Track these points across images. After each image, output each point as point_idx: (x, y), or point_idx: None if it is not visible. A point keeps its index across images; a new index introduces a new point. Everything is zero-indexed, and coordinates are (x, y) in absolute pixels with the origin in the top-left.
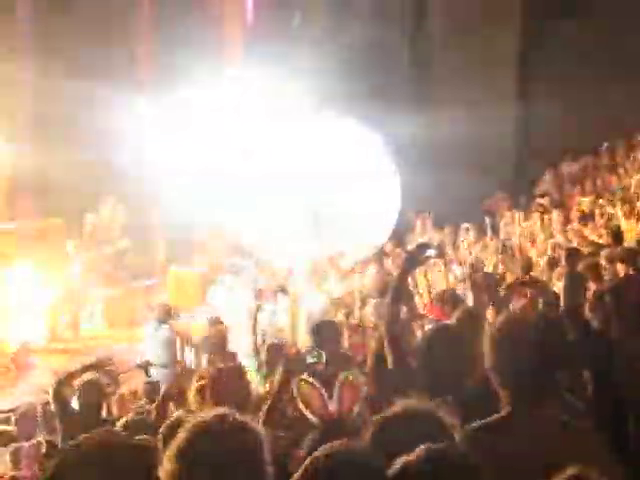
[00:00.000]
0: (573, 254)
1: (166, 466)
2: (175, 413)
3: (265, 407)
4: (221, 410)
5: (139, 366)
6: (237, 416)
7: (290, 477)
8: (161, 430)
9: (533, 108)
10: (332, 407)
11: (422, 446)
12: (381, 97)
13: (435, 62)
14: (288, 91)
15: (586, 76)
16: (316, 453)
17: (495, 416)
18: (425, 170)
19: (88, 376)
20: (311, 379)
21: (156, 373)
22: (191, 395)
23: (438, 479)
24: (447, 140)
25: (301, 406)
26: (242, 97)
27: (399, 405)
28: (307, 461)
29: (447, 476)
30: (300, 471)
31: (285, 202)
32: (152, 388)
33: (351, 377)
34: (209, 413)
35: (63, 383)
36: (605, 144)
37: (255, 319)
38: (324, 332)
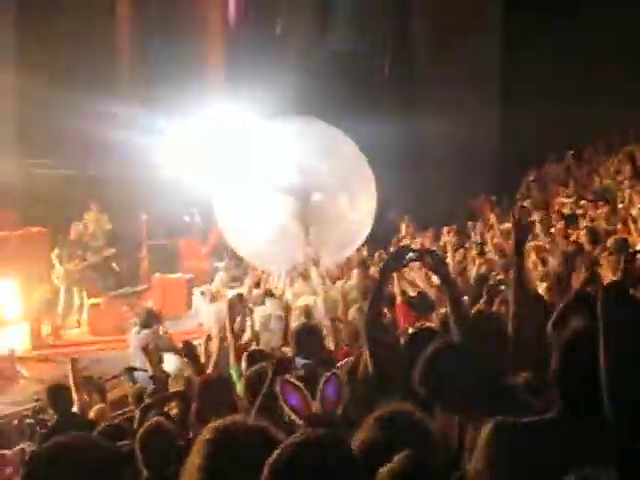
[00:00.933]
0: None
1: None
2: (154, 418)
3: (253, 412)
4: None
5: (124, 372)
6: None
7: None
8: (139, 434)
9: (518, 108)
10: (315, 407)
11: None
12: (365, 100)
13: (419, 63)
14: (266, 93)
15: (572, 75)
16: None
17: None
18: (409, 172)
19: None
20: (293, 379)
21: (142, 379)
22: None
23: None
24: (431, 142)
25: (284, 407)
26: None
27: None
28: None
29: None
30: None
31: (269, 206)
32: (138, 393)
33: (334, 377)
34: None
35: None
36: (571, 152)
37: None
38: (307, 336)
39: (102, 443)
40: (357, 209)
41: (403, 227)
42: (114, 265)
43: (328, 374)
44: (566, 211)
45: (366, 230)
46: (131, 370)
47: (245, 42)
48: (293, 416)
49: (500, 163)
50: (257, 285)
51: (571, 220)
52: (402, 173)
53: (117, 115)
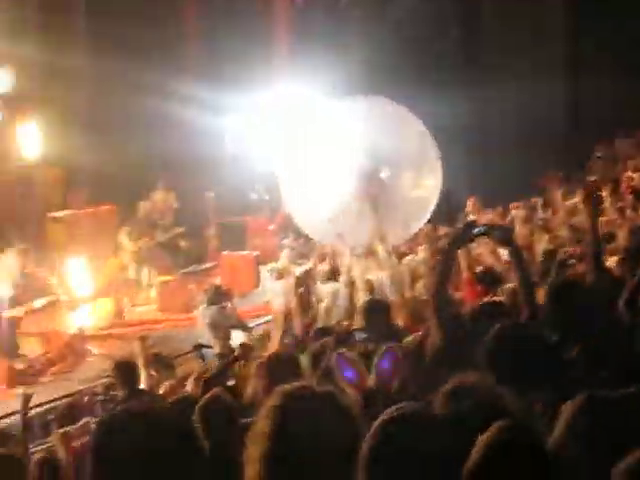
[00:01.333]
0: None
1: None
2: (213, 390)
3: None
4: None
5: (193, 349)
6: None
7: None
8: (198, 406)
9: (584, 80)
10: (371, 381)
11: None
12: (429, 75)
13: (484, 36)
14: (332, 72)
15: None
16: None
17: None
18: (474, 150)
19: None
20: (348, 352)
21: (209, 355)
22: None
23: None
24: (496, 118)
25: (340, 381)
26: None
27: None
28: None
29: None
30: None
31: (335, 184)
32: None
33: (390, 351)
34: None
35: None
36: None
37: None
38: (374, 312)
39: (170, 413)
40: (422, 186)
41: (469, 204)
42: (182, 243)
43: (384, 348)
44: (635, 184)
45: (431, 207)
46: (200, 347)
47: (310, 20)
48: (349, 390)
49: (567, 139)
50: (324, 261)
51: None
52: (467, 151)
53: (185, 94)
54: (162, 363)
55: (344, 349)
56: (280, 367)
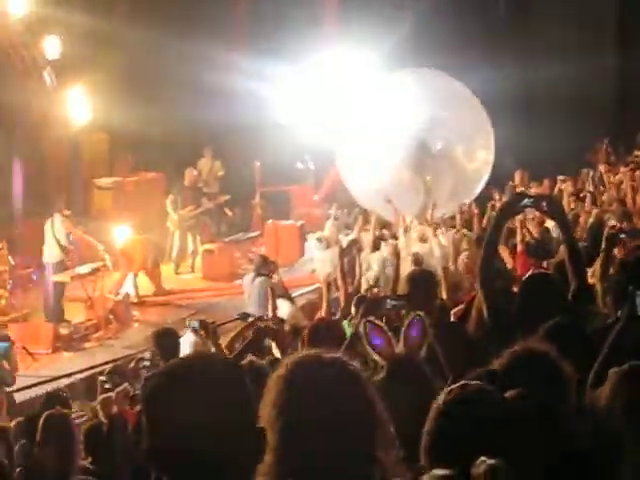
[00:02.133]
0: None
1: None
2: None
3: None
4: None
5: (238, 318)
6: None
7: None
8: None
9: (632, 54)
10: (398, 348)
11: None
12: (476, 46)
13: (531, 8)
14: (379, 41)
15: None
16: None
17: None
18: (523, 120)
19: None
20: (377, 320)
21: None
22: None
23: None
24: (543, 89)
25: (367, 347)
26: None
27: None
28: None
29: None
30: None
31: (389, 155)
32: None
33: (418, 319)
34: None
35: None
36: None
37: (342, 270)
38: (418, 281)
39: (223, 358)
40: (474, 159)
41: (517, 176)
42: (228, 211)
43: (412, 316)
44: None
45: (483, 180)
46: (245, 316)
47: None
48: (376, 356)
49: (616, 111)
50: (366, 231)
51: None
52: (516, 121)
53: (231, 61)
54: (207, 330)
55: (372, 316)
56: (322, 335)
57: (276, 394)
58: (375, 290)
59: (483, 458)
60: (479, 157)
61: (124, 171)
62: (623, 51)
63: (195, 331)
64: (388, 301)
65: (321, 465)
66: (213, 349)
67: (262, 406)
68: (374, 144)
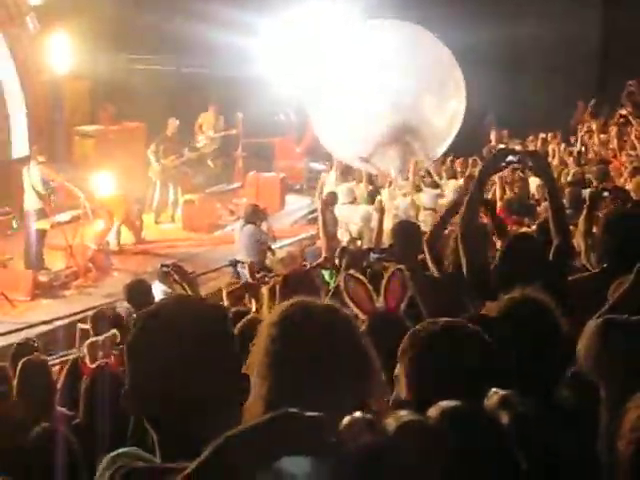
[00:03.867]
0: None
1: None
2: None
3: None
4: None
5: (228, 265)
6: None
7: None
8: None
9: (621, 9)
10: (379, 302)
11: None
12: (460, 3)
13: None
14: None
15: None
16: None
17: None
18: (505, 77)
19: None
20: (357, 274)
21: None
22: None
23: None
24: (527, 43)
25: (348, 301)
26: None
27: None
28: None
29: None
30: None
31: (368, 108)
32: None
33: (398, 272)
34: None
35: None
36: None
37: (324, 222)
38: (401, 233)
39: (209, 302)
40: (445, 110)
41: (493, 135)
42: (210, 163)
43: (393, 270)
44: None
45: (454, 130)
46: (235, 263)
47: None
48: (356, 310)
49: (601, 64)
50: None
51: None
52: (499, 76)
53: (214, 14)
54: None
55: (355, 269)
56: (296, 285)
57: (268, 341)
58: (358, 243)
59: (495, 389)
60: (450, 107)
61: (106, 119)
62: (608, 4)
63: (166, 276)
64: (371, 254)
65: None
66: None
67: (251, 354)
68: (347, 98)
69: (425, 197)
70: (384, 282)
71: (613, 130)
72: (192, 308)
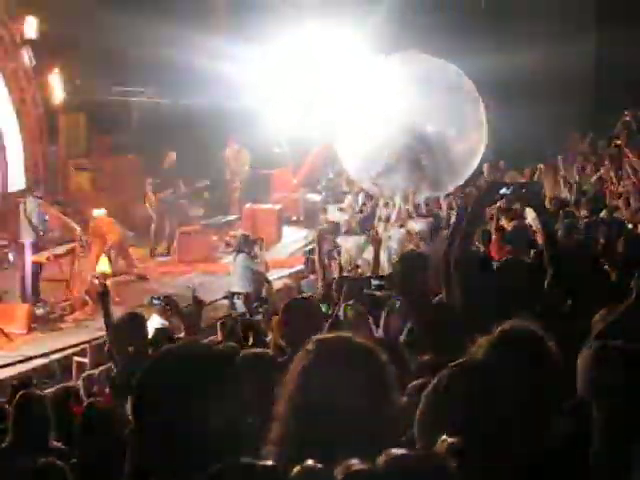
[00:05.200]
0: None
1: None
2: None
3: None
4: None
5: (224, 298)
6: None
7: None
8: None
9: (613, 41)
10: (378, 333)
11: None
12: (455, 32)
13: None
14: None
15: None
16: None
17: None
18: (499, 108)
19: None
20: (357, 305)
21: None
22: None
23: None
24: (525, 76)
25: (345, 329)
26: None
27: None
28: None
29: None
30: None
31: (381, 138)
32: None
33: (399, 303)
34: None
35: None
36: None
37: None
38: (404, 263)
39: (205, 344)
40: (468, 140)
41: (485, 168)
42: (206, 195)
43: (394, 301)
44: None
45: (477, 159)
46: (232, 295)
47: None
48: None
49: (595, 99)
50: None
51: None
52: (491, 109)
53: (209, 45)
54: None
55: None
56: (298, 313)
57: (300, 367)
58: (359, 271)
59: (444, 437)
60: (472, 137)
61: (102, 152)
62: (601, 38)
63: (160, 310)
64: (372, 281)
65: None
66: (182, 326)
67: (281, 395)
68: (366, 129)
69: (419, 225)
70: (384, 313)
71: (606, 161)
72: (204, 355)
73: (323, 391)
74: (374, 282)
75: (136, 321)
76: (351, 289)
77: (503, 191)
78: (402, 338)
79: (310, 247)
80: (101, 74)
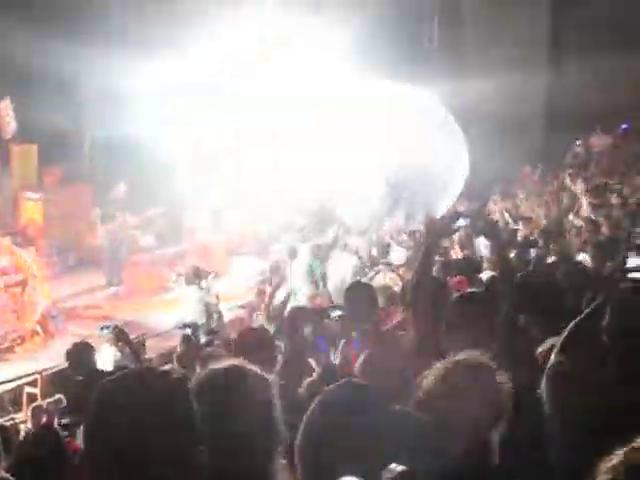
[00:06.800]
0: None
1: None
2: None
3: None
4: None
5: (175, 328)
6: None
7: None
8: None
9: (564, 76)
10: (336, 359)
11: None
12: (410, 67)
13: (466, 27)
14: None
15: (617, 44)
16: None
17: None
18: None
19: None
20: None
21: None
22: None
23: None
24: (476, 109)
25: (309, 355)
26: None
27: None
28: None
29: None
30: None
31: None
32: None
33: (356, 334)
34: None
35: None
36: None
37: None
38: (354, 292)
39: (159, 371)
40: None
41: None
42: (158, 224)
43: (354, 330)
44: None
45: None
46: (184, 326)
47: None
48: (315, 366)
49: (548, 131)
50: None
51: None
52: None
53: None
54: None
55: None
56: (251, 342)
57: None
58: (318, 300)
59: (394, 465)
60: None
61: (53, 183)
62: (554, 69)
63: (112, 339)
64: (332, 312)
65: None
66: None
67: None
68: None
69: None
70: (342, 342)
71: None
72: (158, 382)
73: None
74: (335, 312)
75: (85, 350)
76: (313, 317)
77: (460, 222)
78: (355, 367)
79: (261, 278)
80: (51, 104)
